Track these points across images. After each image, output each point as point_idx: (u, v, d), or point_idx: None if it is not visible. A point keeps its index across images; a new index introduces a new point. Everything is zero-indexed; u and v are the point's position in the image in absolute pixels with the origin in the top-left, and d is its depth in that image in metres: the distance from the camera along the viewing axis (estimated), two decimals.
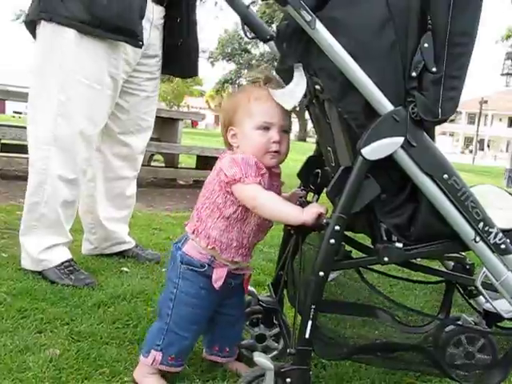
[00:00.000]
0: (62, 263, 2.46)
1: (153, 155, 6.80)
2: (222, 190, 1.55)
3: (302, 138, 36.84)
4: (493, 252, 1.41)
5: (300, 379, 1.39)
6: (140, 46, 2.46)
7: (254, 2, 1.86)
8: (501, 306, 1.55)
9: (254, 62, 41.45)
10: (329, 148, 1.63)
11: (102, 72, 2.41)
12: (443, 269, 1.81)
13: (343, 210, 1.35)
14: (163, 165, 6.96)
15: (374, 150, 1.33)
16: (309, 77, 1.51)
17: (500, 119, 44.01)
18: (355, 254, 1.58)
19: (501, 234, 1.40)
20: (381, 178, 1.39)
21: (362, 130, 1.36)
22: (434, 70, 1.33)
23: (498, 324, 1.66)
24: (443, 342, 1.61)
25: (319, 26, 1.30)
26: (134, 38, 2.41)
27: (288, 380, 1.38)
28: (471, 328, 1.64)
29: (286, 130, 1.62)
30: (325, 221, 1.38)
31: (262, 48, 41.94)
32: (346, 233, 1.51)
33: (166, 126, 6.34)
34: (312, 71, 1.48)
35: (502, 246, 1.41)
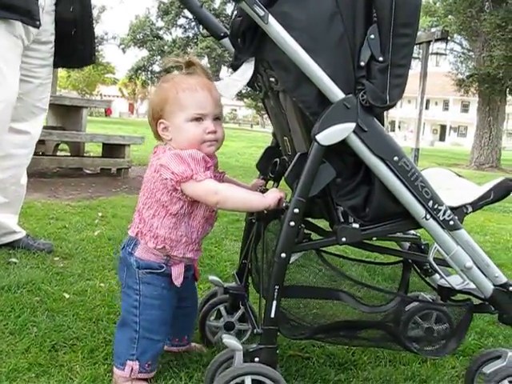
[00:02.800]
0: None
1: (58, 145, 6.64)
2: (166, 187, 1.54)
3: None
4: (443, 228, 1.50)
5: (268, 358, 1.45)
6: (37, 26, 2.44)
7: (206, 2, 1.92)
8: (454, 280, 1.66)
9: (166, 48, 41.33)
10: (285, 137, 1.71)
11: None
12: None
13: (301, 193, 1.42)
14: (69, 154, 6.80)
15: (328, 136, 1.41)
16: (263, 70, 1.58)
17: (409, 101, 45.37)
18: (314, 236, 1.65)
19: (449, 211, 1.50)
20: (335, 162, 1.47)
21: (315, 117, 1.43)
22: (380, 59, 1.42)
23: (452, 298, 1.76)
24: (404, 319, 1.70)
25: (272, 20, 1.37)
26: (30, 17, 2.39)
27: (256, 359, 1.44)
28: (430, 303, 1.73)
29: (218, 117, 1.63)
30: (284, 204, 1.46)
31: (174, 34, 42.03)
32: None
33: (70, 114, 6.27)
34: (266, 64, 1.55)
35: (451, 223, 1.50)
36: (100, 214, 3.97)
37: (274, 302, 1.44)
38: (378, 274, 2.56)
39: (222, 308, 1.91)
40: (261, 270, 1.77)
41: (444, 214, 1.50)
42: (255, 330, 1.48)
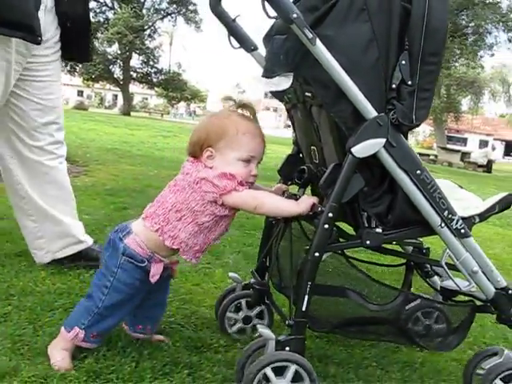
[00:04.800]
0: None
1: None
2: (204, 199, 1.68)
3: (127, 111, 36.22)
4: (454, 236, 1.69)
5: (297, 347, 1.60)
6: (39, 42, 2.26)
7: (239, 16, 2.05)
8: (451, 283, 1.85)
9: None
10: (313, 147, 1.87)
11: None
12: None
13: (335, 199, 1.58)
14: None
15: (362, 149, 1.57)
16: (299, 84, 1.74)
17: None
18: None
19: (461, 221, 1.68)
20: (365, 173, 1.64)
21: (350, 132, 1.60)
22: (409, 83, 1.59)
23: (453, 299, 1.95)
24: (408, 315, 1.89)
25: (319, 43, 1.52)
26: (32, 33, 2.20)
27: (287, 348, 1.59)
28: (433, 301, 1.92)
29: (259, 162, 1.80)
30: (320, 209, 1.61)
31: None
32: None
33: None
34: (302, 80, 1.71)
35: (462, 231, 1.69)
36: None
37: (306, 297, 1.59)
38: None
39: (243, 302, 2.06)
40: (283, 268, 1.92)
41: (457, 223, 1.68)
42: (287, 322, 1.62)
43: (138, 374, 1.71)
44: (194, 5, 38.57)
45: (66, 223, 2.61)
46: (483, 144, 37.61)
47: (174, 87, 41.15)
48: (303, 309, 1.60)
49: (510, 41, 20.28)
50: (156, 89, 44.04)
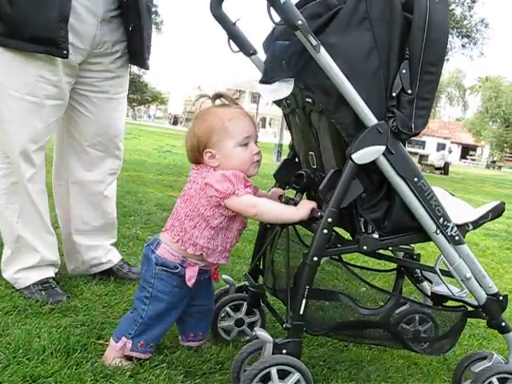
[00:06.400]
0: None
1: None
2: (211, 203, 1.72)
3: None
4: (449, 242, 1.72)
5: (294, 350, 1.62)
6: (65, 56, 2.14)
7: (239, 20, 2.06)
8: (442, 289, 1.89)
9: None
10: (311, 152, 1.89)
11: (36, 81, 2.16)
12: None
13: (334, 205, 1.61)
14: None
15: (362, 156, 1.60)
16: (299, 90, 1.76)
17: None
18: None
19: (456, 228, 1.72)
20: (363, 179, 1.66)
21: (350, 138, 1.62)
22: (409, 92, 1.62)
23: (444, 304, 1.98)
24: (398, 320, 1.92)
25: (322, 50, 1.54)
26: (55, 46, 2.10)
27: (284, 351, 1.61)
28: (425, 305, 1.96)
29: (256, 141, 1.83)
30: (319, 214, 1.64)
31: None
32: None
33: None
34: (303, 86, 1.73)
35: (456, 238, 1.72)
36: None
37: (304, 301, 1.61)
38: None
39: (228, 308, 2.09)
40: (278, 272, 1.94)
41: (451, 230, 1.71)
42: (284, 325, 1.64)
43: (78, 376, 1.68)
44: (155, 6, 38.44)
45: (92, 246, 2.58)
46: (441, 147, 38.48)
47: (133, 89, 40.77)
48: (301, 312, 1.62)
49: (463, 46, 21.05)
50: None
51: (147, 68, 2.55)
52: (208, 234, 1.76)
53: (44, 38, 2.09)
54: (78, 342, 1.88)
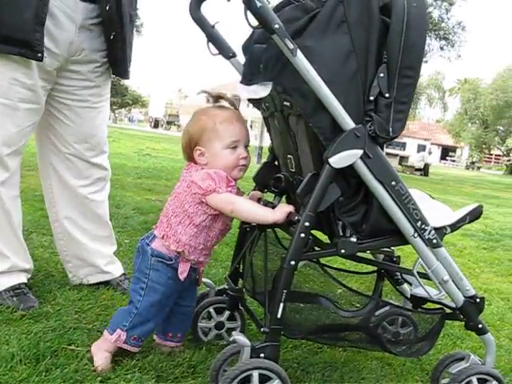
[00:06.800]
0: None
1: None
2: (195, 200, 1.77)
3: None
4: (427, 246, 1.73)
5: (271, 354, 1.61)
6: (40, 59, 2.10)
7: (218, 22, 2.05)
8: (421, 291, 1.89)
9: None
10: (289, 156, 1.89)
11: (9, 83, 2.12)
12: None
13: (312, 209, 1.60)
14: None
15: (339, 160, 1.60)
16: (277, 93, 1.75)
17: None
18: None
19: (433, 231, 1.72)
20: (341, 183, 1.66)
21: (327, 142, 1.62)
22: (387, 95, 1.62)
23: (423, 306, 1.99)
24: (377, 322, 1.93)
25: (299, 54, 1.54)
26: (30, 49, 2.06)
27: (262, 355, 1.60)
28: (403, 308, 1.96)
29: (247, 145, 1.87)
30: (296, 218, 1.63)
31: None
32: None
33: None
34: (281, 89, 1.72)
35: (434, 241, 1.73)
36: None
37: (281, 304, 1.61)
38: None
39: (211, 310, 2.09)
40: (257, 275, 1.94)
41: (429, 233, 1.72)
42: (262, 329, 1.64)
43: (47, 382, 1.67)
44: (136, 8, 38.25)
45: (90, 251, 2.55)
46: (421, 148, 39.10)
47: (114, 92, 40.45)
48: (278, 316, 1.61)
49: (441, 49, 21.47)
50: None
51: (128, 78, 2.53)
52: (191, 231, 1.80)
53: (19, 40, 2.06)
54: (48, 348, 1.85)
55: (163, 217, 1.86)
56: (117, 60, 2.40)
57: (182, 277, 1.84)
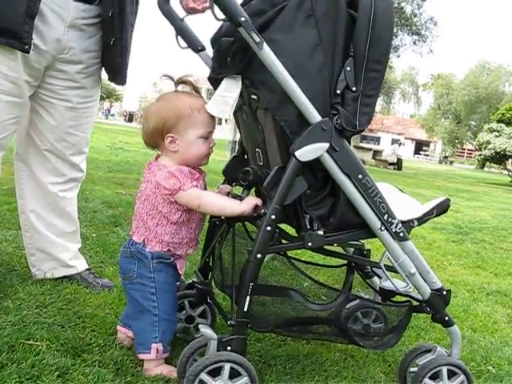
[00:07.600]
0: None
1: None
2: (166, 201, 1.76)
3: None
4: (393, 239, 1.74)
5: (238, 347, 1.61)
6: (27, 51, 2.08)
7: (188, 15, 2.03)
8: (389, 284, 1.91)
9: None
10: (257, 149, 1.88)
11: None
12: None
13: (278, 202, 1.60)
14: None
15: (305, 153, 1.60)
16: (245, 87, 1.74)
17: None
18: None
19: (400, 224, 1.74)
20: (307, 176, 1.66)
21: (294, 136, 1.62)
22: (353, 89, 1.63)
23: (392, 299, 2.01)
24: (349, 315, 1.93)
25: (265, 47, 1.53)
26: (19, 40, 2.05)
27: (229, 348, 1.60)
28: (371, 301, 1.97)
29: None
30: (263, 211, 1.63)
31: None
32: None
33: None
34: (249, 82, 1.71)
35: (401, 234, 1.74)
36: None
37: (248, 298, 1.61)
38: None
39: (186, 302, 2.05)
40: (226, 268, 1.93)
41: (396, 226, 1.73)
42: (228, 322, 1.63)
43: (1, 379, 1.62)
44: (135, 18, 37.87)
45: (55, 245, 2.51)
46: (395, 143, 39.88)
47: None
48: (245, 309, 1.61)
49: (414, 43, 21.85)
50: None
51: (123, 84, 2.54)
52: (171, 229, 1.80)
53: (8, 30, 2.03)
54: (5, 343, 1.82)
55: (138, 221, 1.83)
56: (114, 65, 2.42)
57: (181, 272, 1.88)
